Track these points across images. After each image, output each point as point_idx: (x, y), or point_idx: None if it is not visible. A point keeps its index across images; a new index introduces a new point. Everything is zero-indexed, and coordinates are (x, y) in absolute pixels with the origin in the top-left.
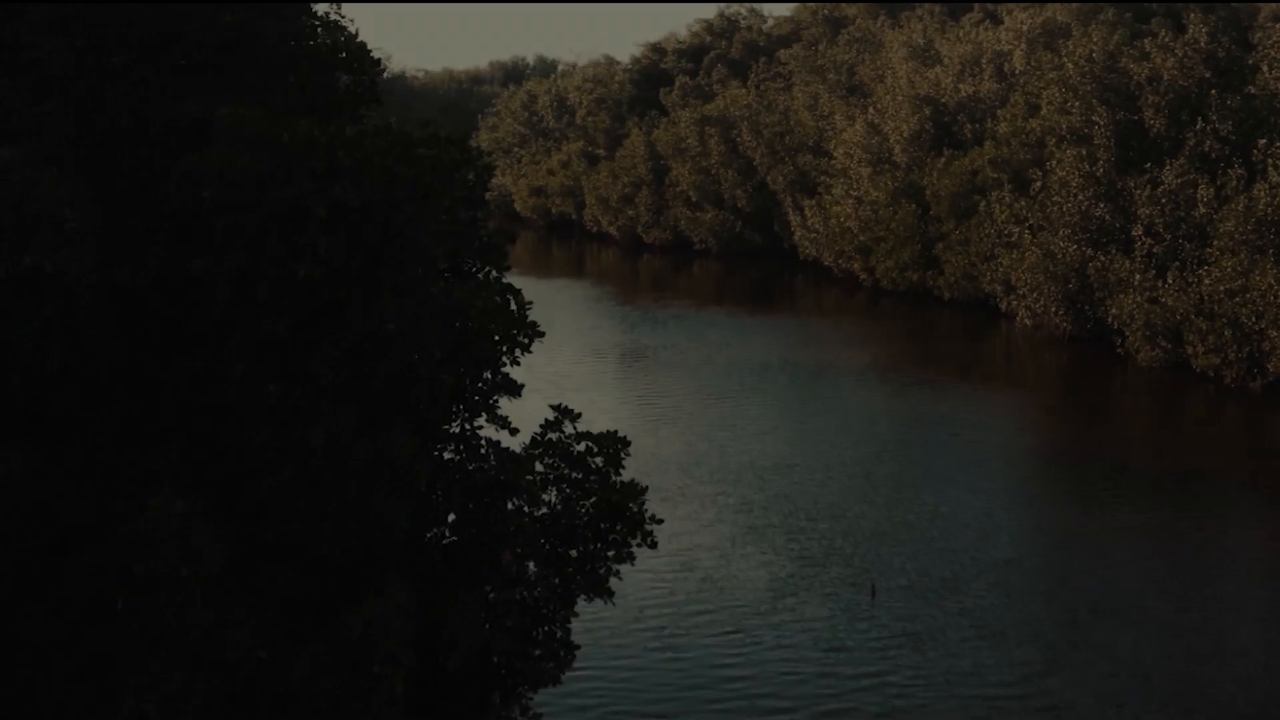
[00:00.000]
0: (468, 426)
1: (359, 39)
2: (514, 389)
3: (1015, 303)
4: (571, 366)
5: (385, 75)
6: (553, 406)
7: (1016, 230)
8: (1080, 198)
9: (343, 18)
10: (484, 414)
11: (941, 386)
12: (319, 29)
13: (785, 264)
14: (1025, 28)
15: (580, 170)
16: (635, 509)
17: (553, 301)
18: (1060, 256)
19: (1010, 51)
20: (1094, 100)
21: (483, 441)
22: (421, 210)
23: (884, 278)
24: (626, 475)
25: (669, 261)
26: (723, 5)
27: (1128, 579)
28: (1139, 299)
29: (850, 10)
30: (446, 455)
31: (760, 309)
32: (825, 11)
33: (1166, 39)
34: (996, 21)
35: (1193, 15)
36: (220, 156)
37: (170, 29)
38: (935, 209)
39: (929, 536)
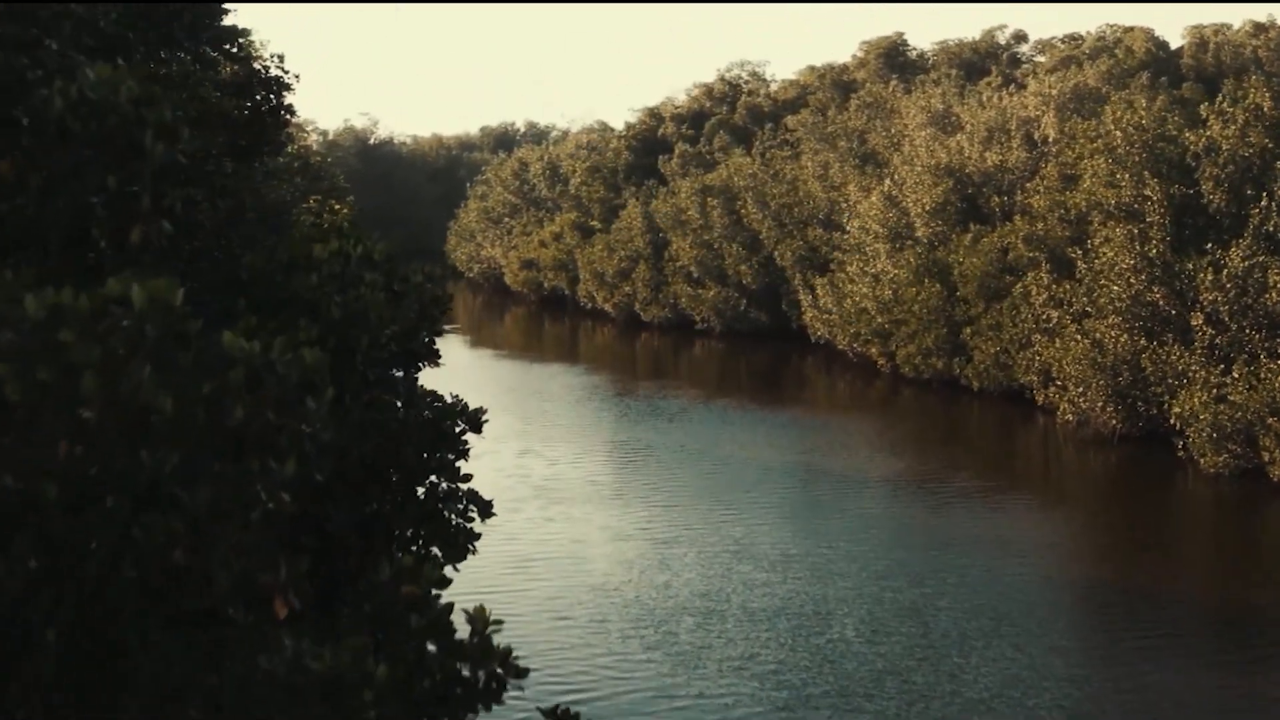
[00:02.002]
0: None
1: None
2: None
3: (1055, 396)
4: (568, 469)
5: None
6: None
7: (1056, 315)
8: (1132, 280)
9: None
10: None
11: (985, 500)
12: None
13: (794, 346)
14: (1054, 92)
15: (574, 243)
16: None
17: (545, 392)
18: (1110, 346)
19: (1039, 118)
20: (1145, 172)
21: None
22: None
23: (905, 364)
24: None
25: (668, 341)
26: (723, 69)
27: None
28: (1204, 396)
29: (859, 74)
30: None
31: (771, 400)
32: (833, 75)
33: (1224, 104)
34: (1018, 86)
35: (1253, 79)
36: None
37: None
38: (962, 290)
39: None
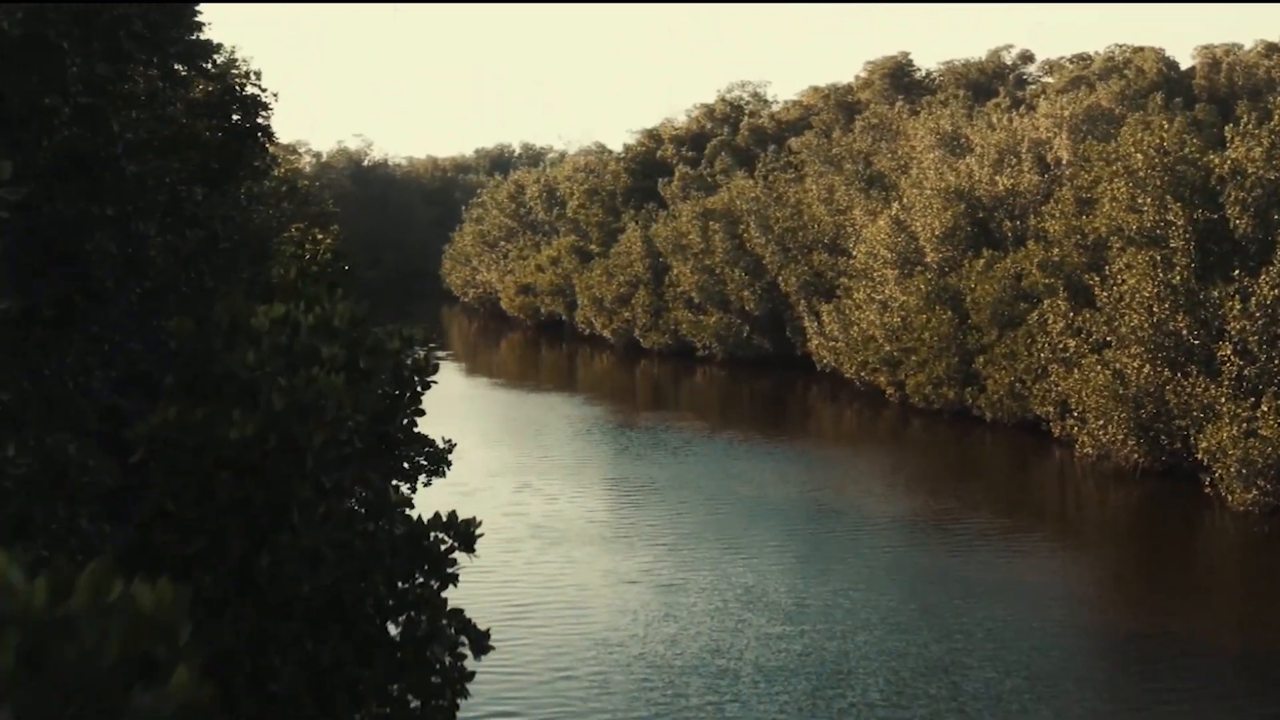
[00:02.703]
0: None
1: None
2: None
3: (1074, 428)
4: (568, 506)
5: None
6: None
7: (1073, 344)
8: (1155, 309)
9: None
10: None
11: (1007, 541)
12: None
13: (798, 374)
14: (1066, 114)
15: (571, 267)
16: None
17: (543, 423)
18: (1132, 377)
19: (1050, 139)
20: (1167, 196)
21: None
22: None
23: (914, 394)
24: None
25: (669, 369)
26: (723, 90)
27: None
28: (1233, 430)
29: (864, 94)
30: None
31: (777, 431)
32: (837, 96)
33: (1249, 125)
34: (1028, 107)
35: (1277, 100)
36: None
37: None
38: (974, 317)
39: None
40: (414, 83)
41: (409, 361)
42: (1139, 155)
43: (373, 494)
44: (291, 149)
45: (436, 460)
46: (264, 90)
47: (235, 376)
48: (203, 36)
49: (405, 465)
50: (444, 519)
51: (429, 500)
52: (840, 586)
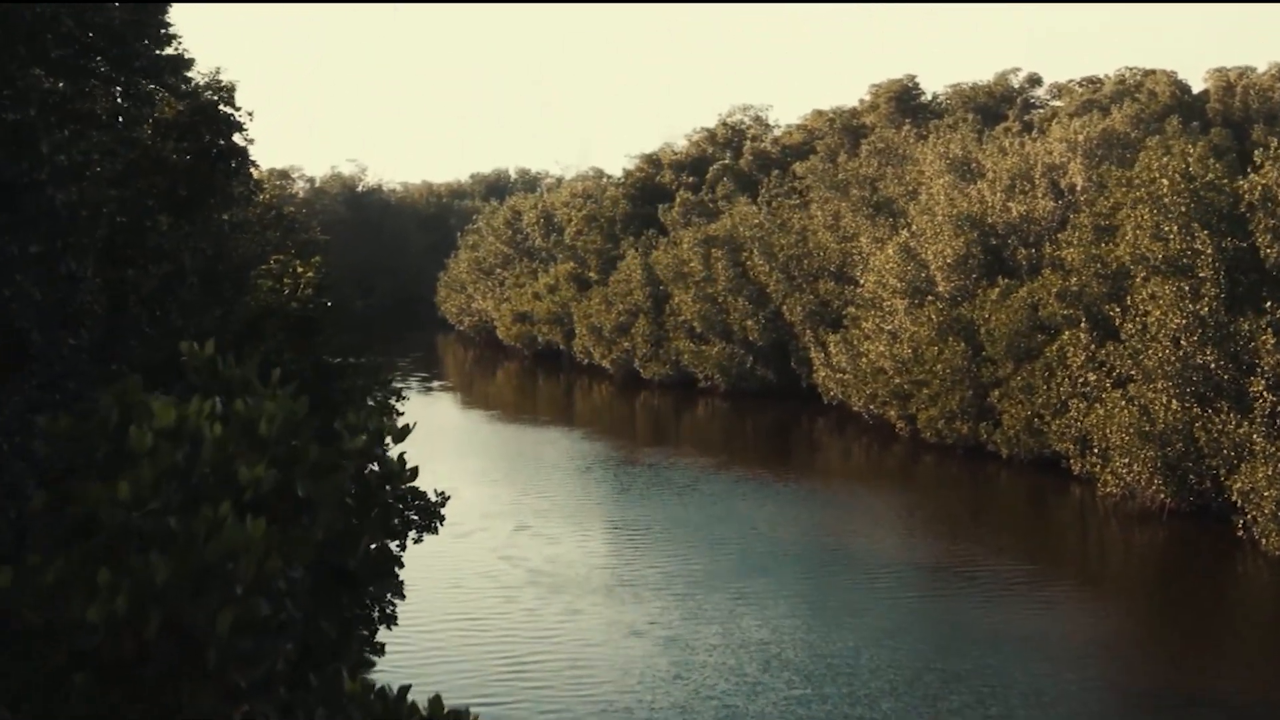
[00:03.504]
0: None
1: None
2: None
3: (1094, 465)
4: (568, 550)
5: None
6: None
7: (1094, 378)
8: (1183, 342)
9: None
10: None
11: (1034, 590)
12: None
13: (804, 406)
14: (1081, 138)
15: (569, 295)
16: None
17: (541, 460)
18: (1160, 414)
19: (1064, 164)
20: (1194, 224)
21: None
22: None
23: (926, 428)
24: None
25: (670, 400)
26: (724, 114)
27: None
28: (1268, 470)
29: (869, 118)
30: None
31: (784, 468)
32: (842, 120)
33: (1279, 149)
34: (1040, 131)
35: None
36: None
37: None
38: (989, 349)
39: None
40: (409, 107)
41: (375, 466)
42: (1164, 181)
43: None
44: (285, 174)
45: (428, 515)
46: (238, 109)
47: (100, 521)
48: (174, 51)
49: (395, 522)
50: None
51: (419, 546)
52: (861, 642)
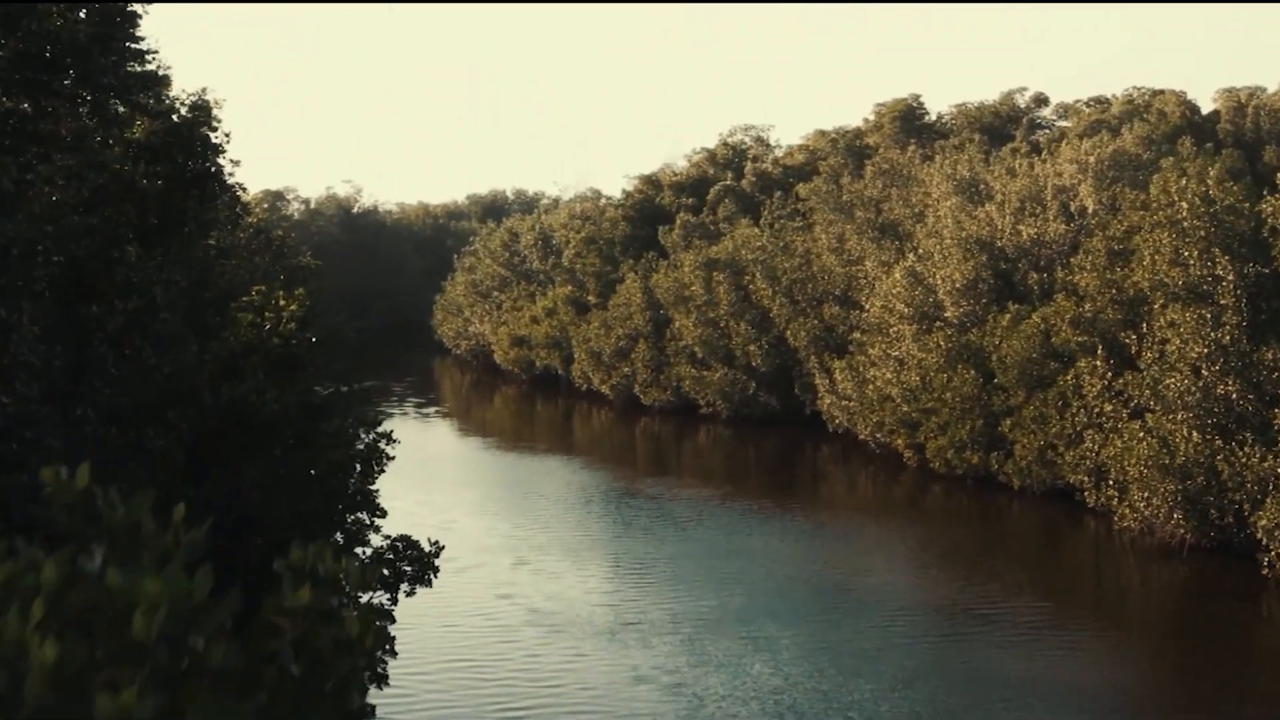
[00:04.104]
0: None
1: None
2: None
3: (1111, 498)
4: (569, 587)
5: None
6: None
7: (1111, 408)
8: (1204, 371)
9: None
10: None
11: (1057, 633)
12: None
13: (808, 434)
14: (1091, 159)
15: (568, 319)
16: None
17: (540, 491)
18: (1180, 446)
19: (1075, 186)
20: (1215, 249)
21: None
22: None
23: (935, 458)
24: None
25: (671, 427)
26: (724, 133)
27: None
28: None
29: (873, 138)
30: None
31: (790, 499)
32: (845, 140)
33: None
34: (1049, 152)
35: None
36: None
37: None
38: (1000, 377)
39: None
40: (406, 127)
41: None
42: (1184, 204)
43: None
44: (279, 195)
45: (422, 565)
46: (216, 130)
47: None
48: (150, 67)
49: (385, 573)
50: None
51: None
52: (879, 689)
